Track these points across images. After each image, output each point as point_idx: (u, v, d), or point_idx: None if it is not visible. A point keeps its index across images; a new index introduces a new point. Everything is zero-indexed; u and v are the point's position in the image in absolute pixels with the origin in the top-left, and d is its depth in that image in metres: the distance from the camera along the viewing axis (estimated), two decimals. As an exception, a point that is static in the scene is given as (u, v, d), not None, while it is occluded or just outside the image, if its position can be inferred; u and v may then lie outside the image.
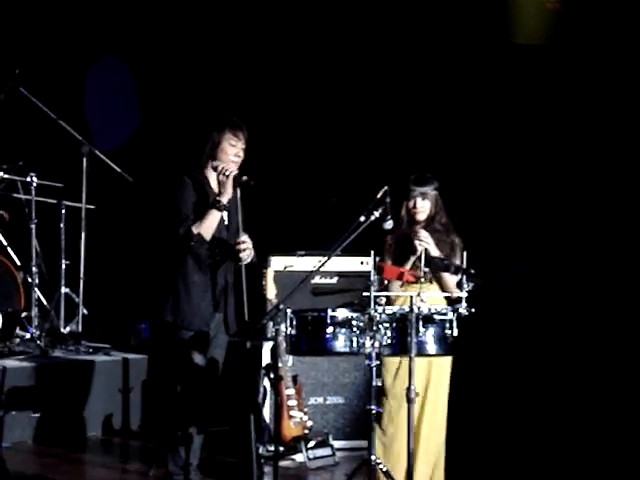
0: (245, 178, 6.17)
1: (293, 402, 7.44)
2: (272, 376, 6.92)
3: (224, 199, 6.11)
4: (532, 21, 10.35)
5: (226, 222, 6.27)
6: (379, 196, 6.06)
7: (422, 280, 6.06)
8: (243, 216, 6.20)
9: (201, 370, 6.13)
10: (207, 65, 9.91)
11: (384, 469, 6.05)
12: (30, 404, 7.97)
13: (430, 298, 6.09)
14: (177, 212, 6.09)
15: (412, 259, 6.35)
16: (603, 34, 9.98)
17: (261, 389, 7.35)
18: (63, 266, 8.96)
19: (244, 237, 6.21)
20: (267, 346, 7.50)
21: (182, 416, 6.16)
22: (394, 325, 5.99)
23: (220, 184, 6.13)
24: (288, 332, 5.99)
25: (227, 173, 6.11)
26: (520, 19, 10.33)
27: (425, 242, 6.32)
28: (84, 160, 8.97)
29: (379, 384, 6.08)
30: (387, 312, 5.99)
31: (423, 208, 6.44)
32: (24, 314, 8.55)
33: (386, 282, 6.29)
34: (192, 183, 6.17)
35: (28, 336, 8.66)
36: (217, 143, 6.18)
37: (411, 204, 6.42)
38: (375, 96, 9.83)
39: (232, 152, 6.18)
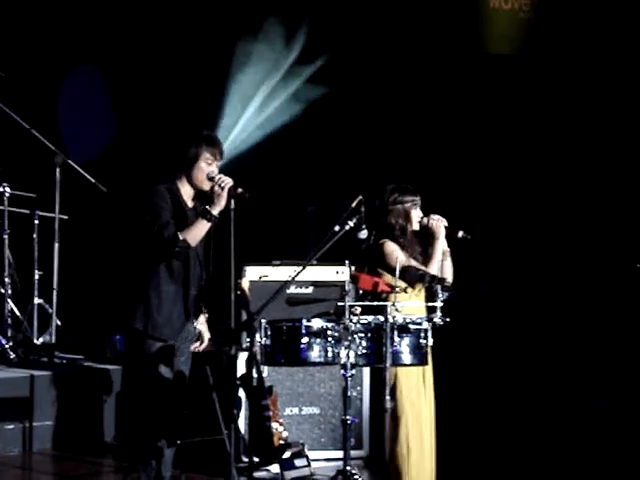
0: (240, 190, 6.08)
1: (268, 413, 7.40)
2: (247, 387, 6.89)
3: (215, 211, 6.04)
4: (505, 31, 10.40)
5: None
6: (354, 205, 6.06)
7: (397, 290, 6.05)
8: (234, 228, 6.13)
9: (170, 381, 6.08)
10: (180, 76, 9.89)
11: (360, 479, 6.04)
12: (3, 415, 7.91)
13: (405, 308, 6.10)
14: (156, 218, 6.02)
15: (441, 239, 6.38)
16: (576, 42, 10.05)
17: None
18: (36, 277, 8.89)
19: (205, 330, 6.27)
20: (242, 356, 7.48)
21: (152, 428, 6.11)
22: (369, 335, 5.98)
23: (214, 195, 6.08)
24: (262, 342, 5.97)
25: (223, 185, 6.04)
26: (494, 30, 10.38)
27: (441, 220, 6.41)
28: (57, 170, 8.92)
29: (354, 394, 6.07)
30: (362, 322, 5.99)
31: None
32: None
33: (361, 292, 6.29)
34: (166, 193, 6.13)
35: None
36: (193, 160, 6.11)
37: (419, 213, 6.45)
38: (349, 107, 9.85)
39: (207, 170, 6.14)
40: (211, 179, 6.10)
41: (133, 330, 6.06)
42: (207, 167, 6.13)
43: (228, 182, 6.06)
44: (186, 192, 6.17)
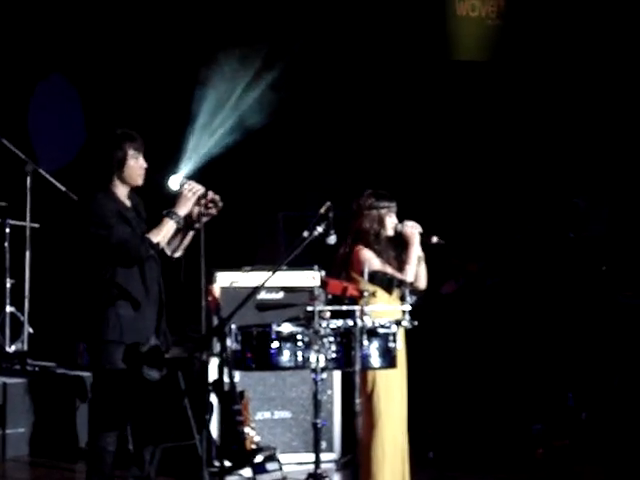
0: (211, 197, 6.18)
1: (240, 417, 7.45)
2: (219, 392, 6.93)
3: (182, 212, 6.10)
4: (473, 39, 10.50)
5: None
6: (322, 211, 6.12)
7: (365, 294, 6.12)
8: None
9: (145, 386, 6.10)
10: (149, 82, 9.92)
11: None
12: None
13: (374, 312, 6.16)
14: (110, 229, 5.99)
15: (415, 245, 6.42)
16: (544, 48, 10.16)
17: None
18: (8, 285, 8.90)
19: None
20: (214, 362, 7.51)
21: (133, 434, 6.13)
22: (338, 339, 6.05)
23: (182, 197, 6.12)
24: (233, 347, 6.02)
25: (194, 191, 6.12)
26: (461, 37, 10.48)
27: (416, 226, 6.46)
28: (28, 178, 8.94)
29: (325, 398, 6.12)
30: (331, 326, 6.05)
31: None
32: None
33: (330, 296, 6.36)
34: (105, 199, 6.12)
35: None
36: (122, 161, 6.10)
37: (394, 219, 6.50)
38: (319, 114, 9.91)
39: (137, 165, 6.16)
40: (182, 185, 6.16)
41: (105, 341, 6.05)
42: (136, 162, 6.15)
43: (199, 189, 6.14)
44: (122, 193, 6.18)
